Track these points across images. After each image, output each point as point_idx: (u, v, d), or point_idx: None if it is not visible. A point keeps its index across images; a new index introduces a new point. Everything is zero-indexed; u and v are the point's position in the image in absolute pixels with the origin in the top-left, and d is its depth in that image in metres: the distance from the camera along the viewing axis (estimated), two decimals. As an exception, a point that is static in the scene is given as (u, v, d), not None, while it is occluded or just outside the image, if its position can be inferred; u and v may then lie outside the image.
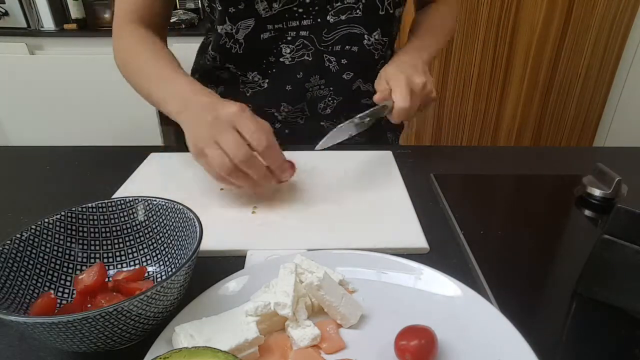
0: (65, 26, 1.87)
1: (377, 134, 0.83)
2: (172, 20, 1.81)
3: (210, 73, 0.79)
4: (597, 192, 0.53)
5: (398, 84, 0.62)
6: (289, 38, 0.69)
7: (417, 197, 0.56)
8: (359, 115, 0.62)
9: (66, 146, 0.75)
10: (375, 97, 0.65)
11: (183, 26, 1.81)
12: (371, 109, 0.63)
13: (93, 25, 1.91)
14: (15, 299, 0.35)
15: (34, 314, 0.35)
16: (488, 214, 0.54)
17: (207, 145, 0.49)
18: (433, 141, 2.15)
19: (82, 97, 1.86)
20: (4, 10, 1.79)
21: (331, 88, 0.74)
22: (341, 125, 0.60)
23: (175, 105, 0.55)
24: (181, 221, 0.41)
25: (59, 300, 0.38)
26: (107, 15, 1.87)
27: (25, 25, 1.84)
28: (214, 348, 0.28)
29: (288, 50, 0.70)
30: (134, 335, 0.33)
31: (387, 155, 0.68)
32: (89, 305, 0.37)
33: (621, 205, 0.36)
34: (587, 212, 0.53)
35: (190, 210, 0.40)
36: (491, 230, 0.50)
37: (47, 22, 1.85)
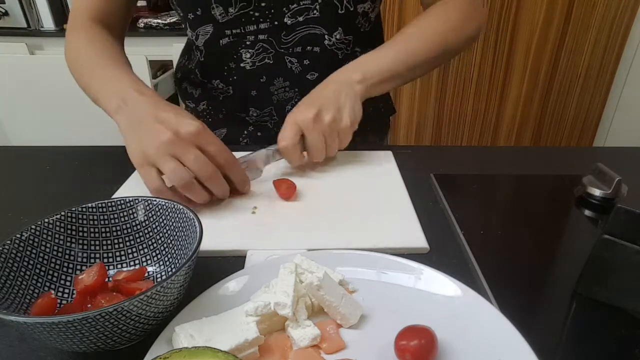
0: (65, 26, 1.87)
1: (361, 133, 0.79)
2: (172, 21, 1.82)
3: (188, 76, 0.79)
4: (597, 192, 0.53)
5: (285, 122, 0.58)
6: (247, 42, 0.69)
7: (417, 197, 0.56)
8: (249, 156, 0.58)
9: (66, 146, 0.75)
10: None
11: (183, 26, 1.81)
12: (256, 151, 0.59)
13: (93, 25, 1.91)
14: (15, 299, 0.35)
15: (34, 314, 0.35)
16: (488, 214, 0.54)
17: (161, 158, 0.48)
18: (433, 141, 2.15)
19: (82, 97, 1.85)
20: (4, 10, 1.79)
21: (296, 89, 0.73)
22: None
23: (114, 103, 0.53)
24: (181, 221, 0.41)
25: (59, 300, 0.38)
26: (107, 15, 1.87)
27: (25, 25, 1.84)
28: (214, 348, 0.28)
29: (248, 55, 0.69)
30: (134, 335, 0.33)
31: (387, 155, 0.68)
32: (89, 305, 0.37)
33: (621, 205, 0.36)
34: (587, 212, 0.53)
35: (190, 210, 0.40)
36: (491, 230, 0.50)
37: (47, 22, 1.85)
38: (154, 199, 0.43)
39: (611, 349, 0.34)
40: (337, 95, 0.58)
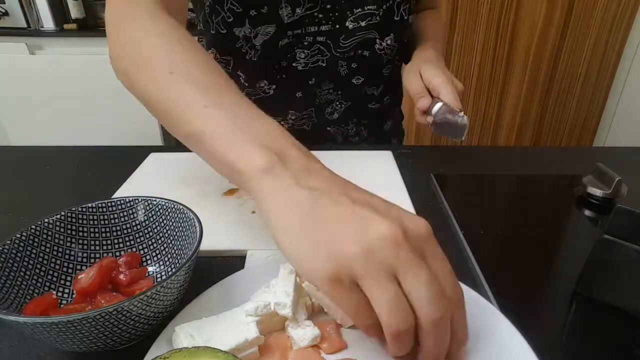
0: (65, 26, 1.87)
1: (381, 140, 0.83)
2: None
3: None
4: (597, 192, 0.53)
5: (445, 86, 0.63)
6: (305, 43, 0.68)
7: (417, 197, 0.56)
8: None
9: (66, 146, 0.75)
10: (420, 103, 0.64)
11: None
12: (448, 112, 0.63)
13: (93, 25, 1.91)
14: (15, 299, 0.35)
15: (33, 312, 0.35)
16: (488, 214, 0.54)
17: (375, 272, 0.26)
18: (433, 141, 2.15)
19: (82, 97, 1.86)
20: (4, 10, 1.79)
21: (339, 92, 0.73)
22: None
23: (261, 159, 0.32)
24: (181, 221, 0.41)
25: (59, 300, 0.38)
26: (107, 15, 1.87)
27: (25, 25, 1.84)
28: (214, 348, 0.28)
29: (303, 56, 0.69)
30: (134, 335, 0.33)
31: (387, 155, 0.68)
32: (89, 307, 0.37)
33: (621, 205, 0.36)
34: (587, 212, 0.53)
35: (190, 210, 0.40)
36: (491, 230, 0.50)
37: (47, 22, 1.85)
38: (153, 198, 0.43)
39: (611, 349, 0.34)
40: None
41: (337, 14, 0.66)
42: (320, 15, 0.66)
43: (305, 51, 0.68)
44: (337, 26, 0.67)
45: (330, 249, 0.27)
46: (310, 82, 0.71)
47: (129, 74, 0.43)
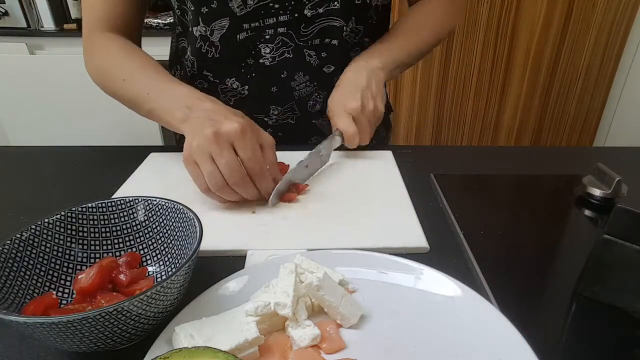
0: (65, 26, 1.87)
1: None
2: (172, 21, 1.82)
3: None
4: (597, 192, 0.53)
5: (337, 113, 0.64)
6: (267, 37, 0.67)
7: (417, 197, 0.56)
8: (308, 155, 0.60)
9: (66, 146, 0.75)
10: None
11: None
12: (322, 142, 0.62)
13: (93, 25, 1.91)
14: (15, 299, 0.35)
15: (33, 312, 0.35)
16: (488, 214, 0.54)
17: (201, 157, 0.48)
18: (433, 141, 2.15)
19: (83, 97, 1.85)
20: (4, 10, 1.79)
21: (315, 83, 0.73)
22: (289, 171, 0.57)
23: (179, 114, 0.54)
24: (181, 221, 0.41)
25: (59, 300, 0.38)
26: (107, 15, 1.87)
27: (25, 25, 1.84)
28: (214, 348, 0.28)
29: (268, 50, 0.68)
30: (134, 335, 0.33)
31: (387, 155, 0.68)
32: (89, 307, 0.37)
33: (621, 205, 0.36)
34: (587, 212, 0.53)
35: (190, 210, 0.40)
36: (491, 230, 0.50)
37: (47, 22, 1.85)
38: (153, 198, 0.43)
39: (611, 349, 0.34)
40: (371, 84, 0.65)
41: (293, 2, 0.65)
42: (277, 6, 0.65)
43: (270, 45, 0.68)
44: (296, 15, 0.66)
45: (187, 146, 0.50)
46: (282, 76, 0.71)
47: (98, 81, 0.67)
